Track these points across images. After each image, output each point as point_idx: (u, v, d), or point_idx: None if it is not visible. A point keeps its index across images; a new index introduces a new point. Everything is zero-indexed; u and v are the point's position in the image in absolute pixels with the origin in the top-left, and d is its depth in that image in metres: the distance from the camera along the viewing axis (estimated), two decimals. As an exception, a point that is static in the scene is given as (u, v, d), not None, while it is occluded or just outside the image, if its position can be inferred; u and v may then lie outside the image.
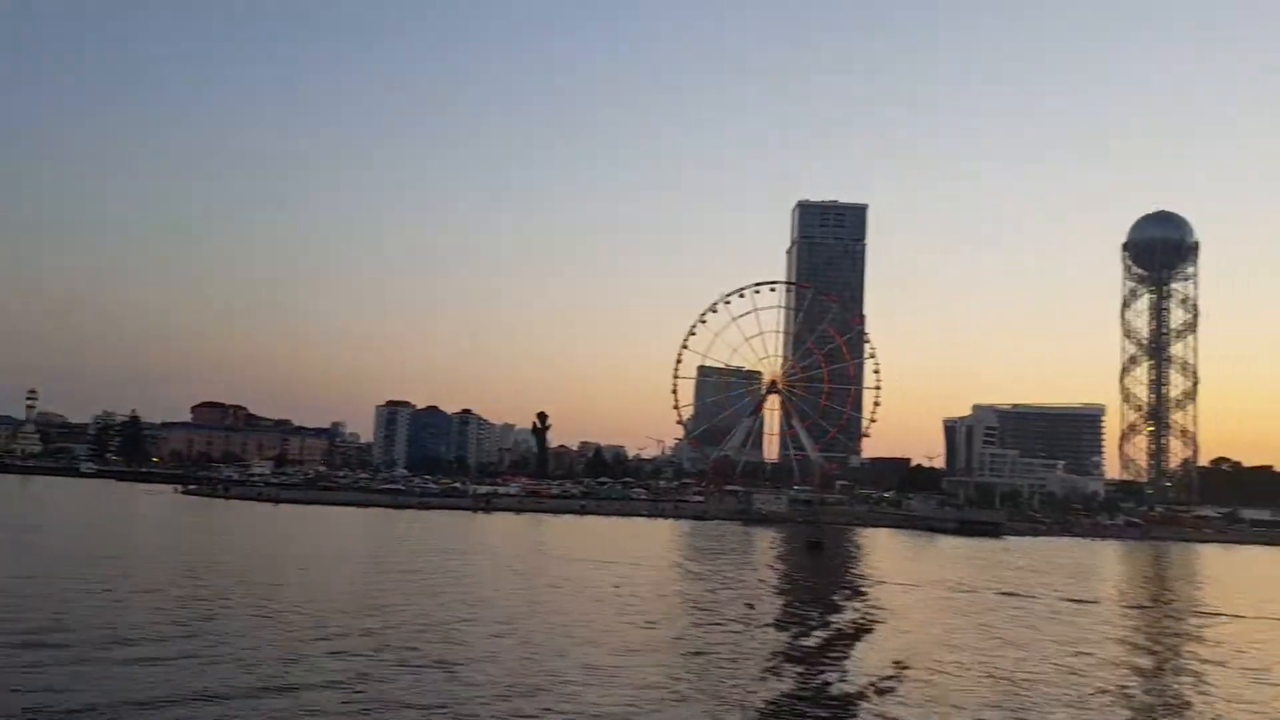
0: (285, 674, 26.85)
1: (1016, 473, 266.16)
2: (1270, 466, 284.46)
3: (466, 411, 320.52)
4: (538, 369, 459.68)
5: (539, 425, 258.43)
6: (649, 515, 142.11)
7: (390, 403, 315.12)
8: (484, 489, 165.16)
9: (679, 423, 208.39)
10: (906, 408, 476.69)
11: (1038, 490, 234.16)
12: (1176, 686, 32.31)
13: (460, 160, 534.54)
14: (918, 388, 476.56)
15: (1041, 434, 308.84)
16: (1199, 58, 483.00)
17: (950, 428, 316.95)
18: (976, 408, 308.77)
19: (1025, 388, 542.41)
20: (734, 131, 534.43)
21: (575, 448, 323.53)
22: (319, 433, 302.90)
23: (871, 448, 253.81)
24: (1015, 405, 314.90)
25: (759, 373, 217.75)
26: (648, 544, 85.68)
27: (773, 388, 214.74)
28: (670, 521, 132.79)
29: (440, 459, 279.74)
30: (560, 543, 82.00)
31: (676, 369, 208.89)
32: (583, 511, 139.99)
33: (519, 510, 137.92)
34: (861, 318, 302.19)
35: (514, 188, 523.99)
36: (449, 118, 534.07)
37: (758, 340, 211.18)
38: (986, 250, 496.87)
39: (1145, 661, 37.44)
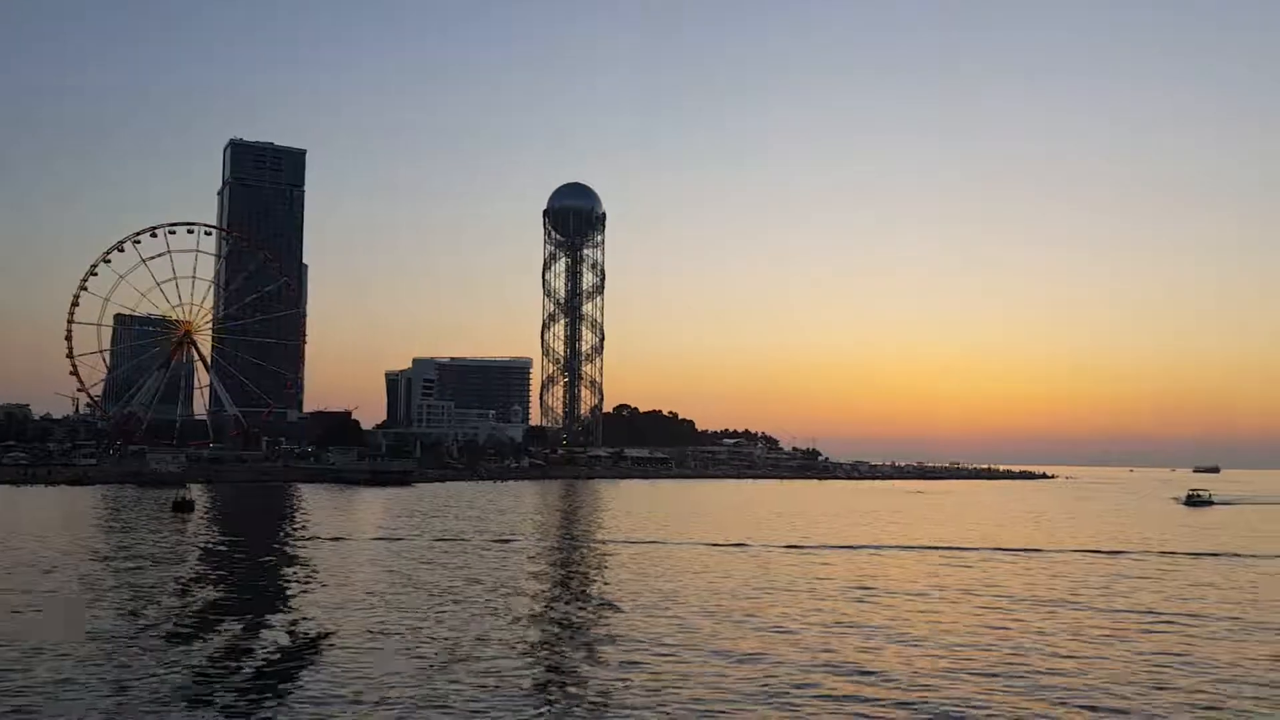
0: None
1: (452, 422, 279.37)
2: (660, 411, 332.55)
3: None
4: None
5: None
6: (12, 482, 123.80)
7: None
8: None
9: (72, 373, 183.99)
10: (352, 361, 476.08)
11: (471, 438, 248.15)
12: (584, 611, 35.13)
13: None
14: (364, 341, 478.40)
15: (477, 385, 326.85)
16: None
17: (392, 380, 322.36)
18: (416, 361, 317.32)
19: (466, 341, 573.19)
20: (163, 64, 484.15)
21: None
22: None
23: (317, 402, 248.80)
24: (454, 358, 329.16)
25: (181, 321, 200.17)
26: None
27: (188, 338, 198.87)
28: (43, 488, 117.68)
29: None
30: None
31: (71, 314, 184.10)
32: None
33: None
34: (299, 267, 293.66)
35: None
36: None
37: (171, 286, 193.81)
38: (430, 207, 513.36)
39: (558, 590, 40.70)
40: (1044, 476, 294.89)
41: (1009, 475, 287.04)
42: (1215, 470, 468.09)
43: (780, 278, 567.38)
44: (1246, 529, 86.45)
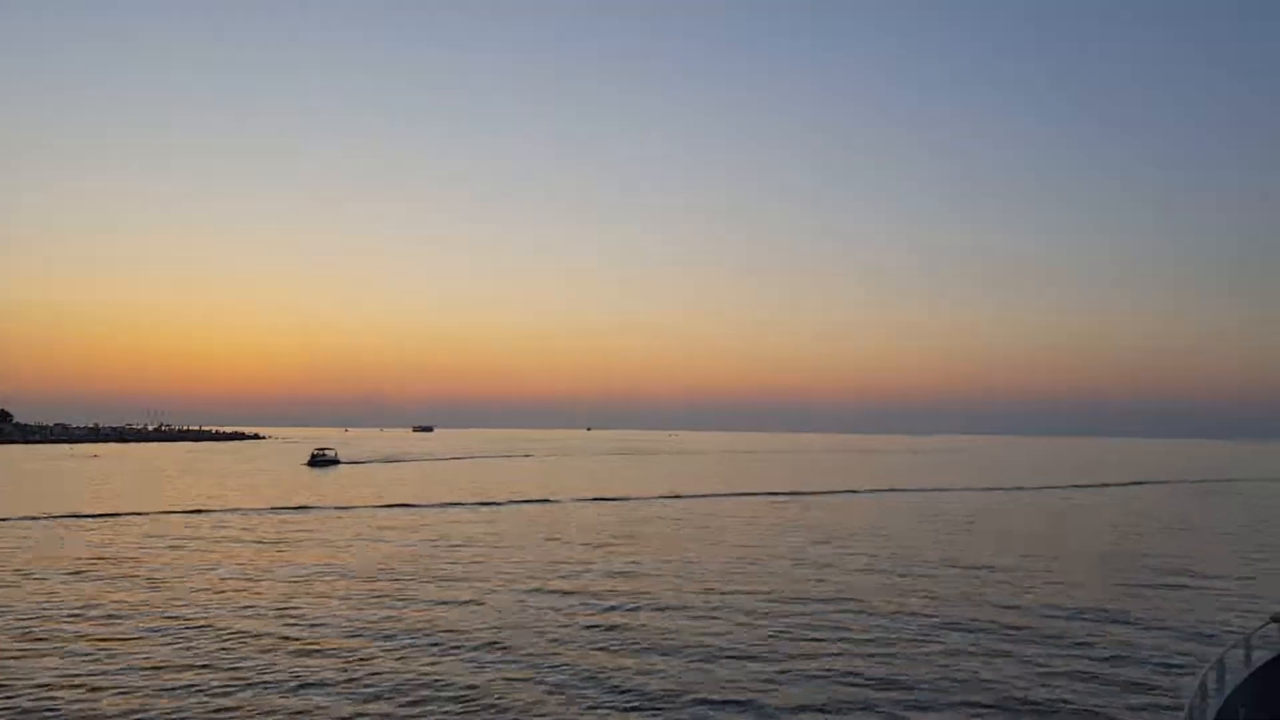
0: None
1: None
2: None
3: None
4: None
5: None
6: None
7: None
8: None
9: None
10: None
11: None
12: None
13: None
14: None
15: None
16: None
17: None
18: None
19: None
20: None
21: None
22: None
23: None
24: None
25: None
26: None
27: None
28: None
29: None
30: None
31: None
32: None
33: None
34: None
35: None
36: None
37: None
38: None
39: None
40: (255, 438, 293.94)
41: (218, 436, 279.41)
42: (430, 429, 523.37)
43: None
44: (320, 486, 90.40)
